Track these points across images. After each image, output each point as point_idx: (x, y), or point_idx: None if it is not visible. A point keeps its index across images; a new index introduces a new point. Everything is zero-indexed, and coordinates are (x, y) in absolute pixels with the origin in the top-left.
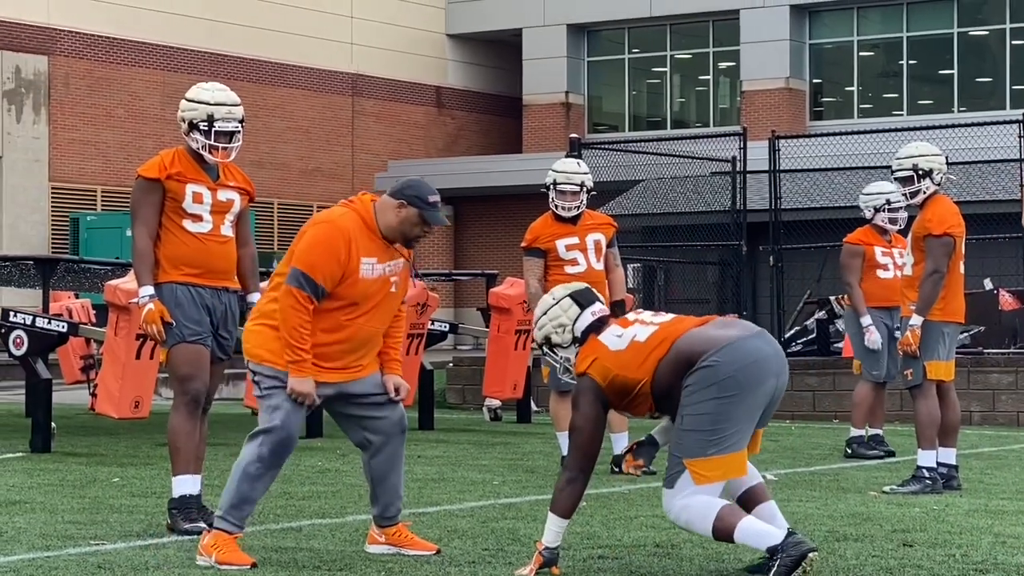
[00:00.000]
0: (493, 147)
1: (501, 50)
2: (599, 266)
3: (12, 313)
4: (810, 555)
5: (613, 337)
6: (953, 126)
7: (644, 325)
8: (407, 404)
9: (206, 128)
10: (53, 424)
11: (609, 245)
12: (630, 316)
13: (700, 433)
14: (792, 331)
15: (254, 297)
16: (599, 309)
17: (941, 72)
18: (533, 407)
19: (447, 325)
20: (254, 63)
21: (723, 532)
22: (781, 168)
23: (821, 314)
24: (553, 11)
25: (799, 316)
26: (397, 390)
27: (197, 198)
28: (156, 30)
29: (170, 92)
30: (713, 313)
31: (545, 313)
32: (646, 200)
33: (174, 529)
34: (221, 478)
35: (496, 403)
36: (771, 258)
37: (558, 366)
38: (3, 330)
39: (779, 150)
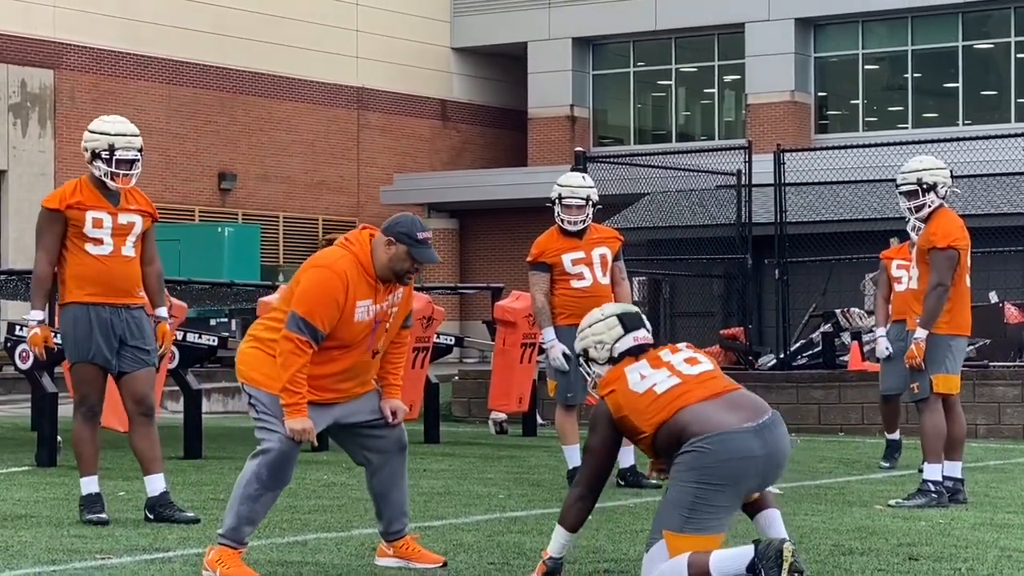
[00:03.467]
0: (498, 160)
1: (506, 63)
2: (605, 280)
3: (18, 327)
4: (785, 546)
5: (637, 376)
6: (958, 139)
7: (671, 374)
8: (412, 418)
9: (107, 157)
10: (59, 438)
11: (615, 259)
12: (664, 355)
13: (680, 510)
14: (798, 344)
15: (161, 311)
16: (643, 336)
17: (946, 85)
18: (539, 420)
19: (453, 338)
20: (259, 76)
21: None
22: (786, 181)
23: (827, 327)
24: (558, 25)
25: (804, 329)
26: (395, 414)
27: (97, 223)
28: (161, 44)
29: (175, 106)
30: (719, 327)
31: (590, 326)
32: (651, 213)
33: (81, 520)
34: (227, 491)
35: (502, 416)
36: (776, 271)
37: (589, 380)
38: (9, 344)
39: (784, 163)
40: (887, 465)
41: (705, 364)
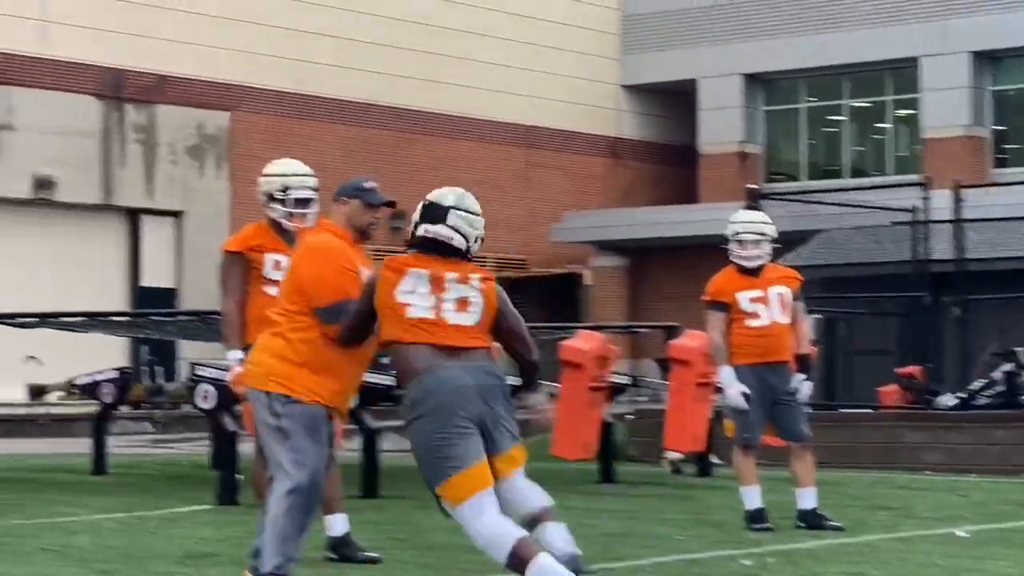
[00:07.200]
0: (668, 198)
1: (676, 100)
2: (783, 319)
3: (199, 367)
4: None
5: (410, 285)
6: None
7: (432, 307)
8: (588, 457)
9: (282, 197)
10: (239, 476)
11: (795, 298)
12: (448, 277)
13: (430, 463)
14: (979, 384)
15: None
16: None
17: None
18: (713, 460)
19: (629, 378)
20: (430, 116)
21: (518, 567)
22: (965, 218)
23: (1009, 366)
24: (728, 61)
25: (985, 368)
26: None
27: (276, 266)
28: (334, 85)
29: (351, 146)
30: (896, 366)
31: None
32: (825, 250)
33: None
34: (406, 531)
35: (677, 456)
36: (955, 309)
37: None
38: (192, 384)
39: (963, 199)
40: None
41: (472, 316)
